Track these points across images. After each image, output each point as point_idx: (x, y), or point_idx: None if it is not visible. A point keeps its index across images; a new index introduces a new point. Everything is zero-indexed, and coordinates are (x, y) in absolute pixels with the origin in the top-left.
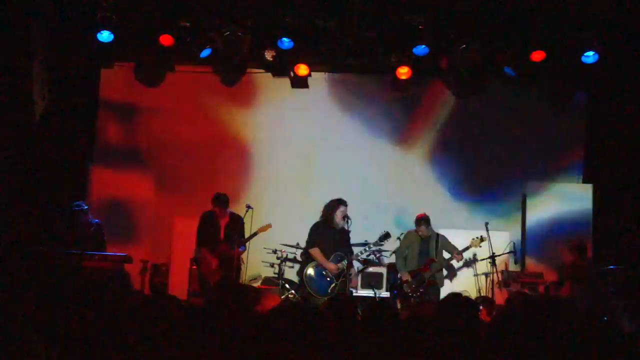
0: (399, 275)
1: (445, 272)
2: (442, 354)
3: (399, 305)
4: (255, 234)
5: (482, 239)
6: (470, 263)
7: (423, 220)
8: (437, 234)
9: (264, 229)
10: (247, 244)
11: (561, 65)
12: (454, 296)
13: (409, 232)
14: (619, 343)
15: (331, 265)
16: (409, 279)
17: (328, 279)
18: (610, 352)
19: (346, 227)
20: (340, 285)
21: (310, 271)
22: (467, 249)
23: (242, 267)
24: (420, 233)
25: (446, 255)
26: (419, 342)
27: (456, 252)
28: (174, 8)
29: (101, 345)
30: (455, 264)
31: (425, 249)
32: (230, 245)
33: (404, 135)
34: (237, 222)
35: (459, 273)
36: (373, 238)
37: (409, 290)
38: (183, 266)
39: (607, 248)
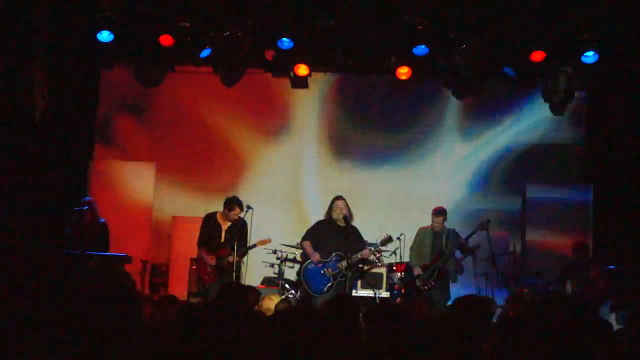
0: (414, 273)
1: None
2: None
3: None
4: (254, 245)
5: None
6: (473, 260)
7: (441, 212)
8: (448, 229)
9: (263, 242)
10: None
11: (561, 65)
12: (468, 298)
13: (420, 229)
14: (617, 342)
15: (316, 257)
16: (421, 272)
17: (325, 277)
18: (609, 350)
19: (347, 224)
20: (337, 285)
21: (308, 268)
22: (472, 234)
23: (242, 267)
24: (434, 225)
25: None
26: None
27: (462, 241)
28: (174, 8)
29: (101, 344)
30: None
31: (438, 243)
32: (229, 249)
33: (403, 135)
34: (238, 226)
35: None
36: (373, 237)
37: (420, 284)
38: (183, 266)
39: (607, 248)
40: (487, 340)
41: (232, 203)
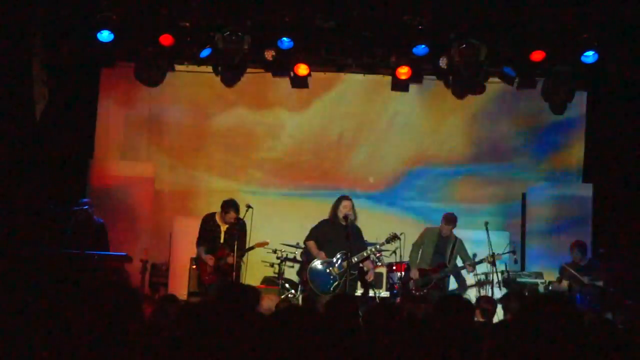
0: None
1: (453, 280)
2: (436, 354)
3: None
4: (252, 248)
5: (494, 257)
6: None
7: (452, 220)
8: (456, 238)
9: (261, 244)
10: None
11: (561, 65)
12: (450, 297)
13: (428, 229)
14: (617, 341)
15: (322, 255)
16: (417, 277)
17: (332, 276)
18: (609, 350)
19: (348, 224)
20: (343, 284)
21: (316, 266)
22: (480, 262)
23: (242, 267)
24: (442, 231)
25: (459, 262)
26: (414, 342)
27: (468, 264)
28: (174, 8)
29: (102, 344)
30: (465, 273)
31: (441, 250)
32: (228, 250)
33: (403, 135)
34: (237, 227)
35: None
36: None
37: (413, 288)
38: (183, 266)
39: (607, 248)
40: (474, 339)
41: (228, 206)
